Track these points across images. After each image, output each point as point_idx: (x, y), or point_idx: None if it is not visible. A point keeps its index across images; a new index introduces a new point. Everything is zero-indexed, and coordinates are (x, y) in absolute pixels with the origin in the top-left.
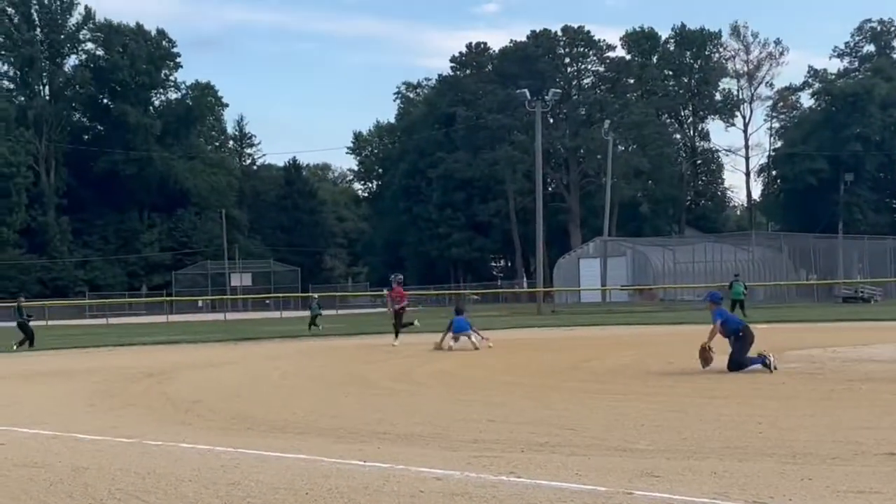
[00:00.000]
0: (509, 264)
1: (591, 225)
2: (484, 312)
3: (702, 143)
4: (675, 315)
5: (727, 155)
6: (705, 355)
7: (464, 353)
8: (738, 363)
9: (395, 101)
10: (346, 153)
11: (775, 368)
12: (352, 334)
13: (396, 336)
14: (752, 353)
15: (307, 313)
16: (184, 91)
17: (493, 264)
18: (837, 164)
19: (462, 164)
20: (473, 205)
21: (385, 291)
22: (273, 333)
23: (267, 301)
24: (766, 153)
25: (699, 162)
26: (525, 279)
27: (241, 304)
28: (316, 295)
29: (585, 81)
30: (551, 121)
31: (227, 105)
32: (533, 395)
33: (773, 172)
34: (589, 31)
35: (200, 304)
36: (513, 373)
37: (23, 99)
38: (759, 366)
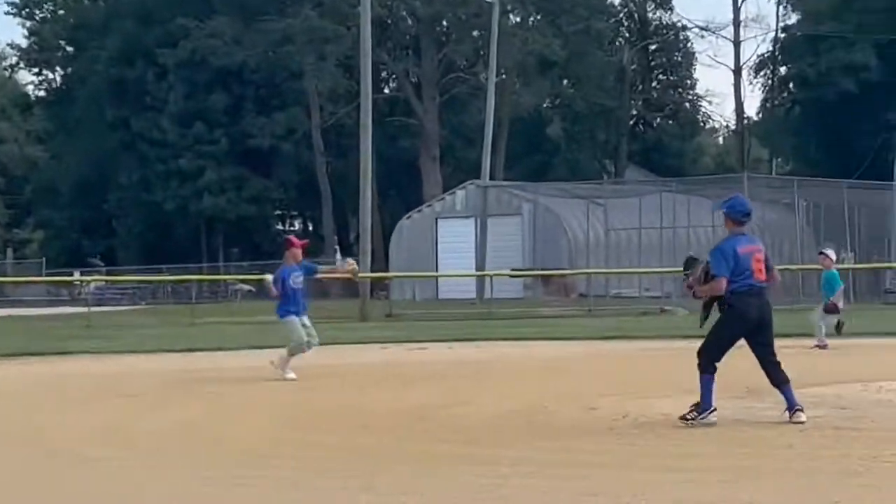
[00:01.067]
0: (310, 228)
1: (461, 158)
2: (261, 315)
3: (658, 13)
4: (607, 323)
5: (702, 37)
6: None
7: (240, 386)
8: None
9: None
10: (7, 14)
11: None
12: (17, 355)
13: None
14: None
15: None
16: None
17: (282, 228)
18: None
19: (223, 42)
20: (244, 118)
21: None
22: None
23: None
24: (771, 35)
25: (654, 48)
26: (339, 255)
27: None
28: None
29: None
30: None
31: None
32: (345, 466)
33: (783, 70)
34: None
35: None
36: (310, 426)
37: None
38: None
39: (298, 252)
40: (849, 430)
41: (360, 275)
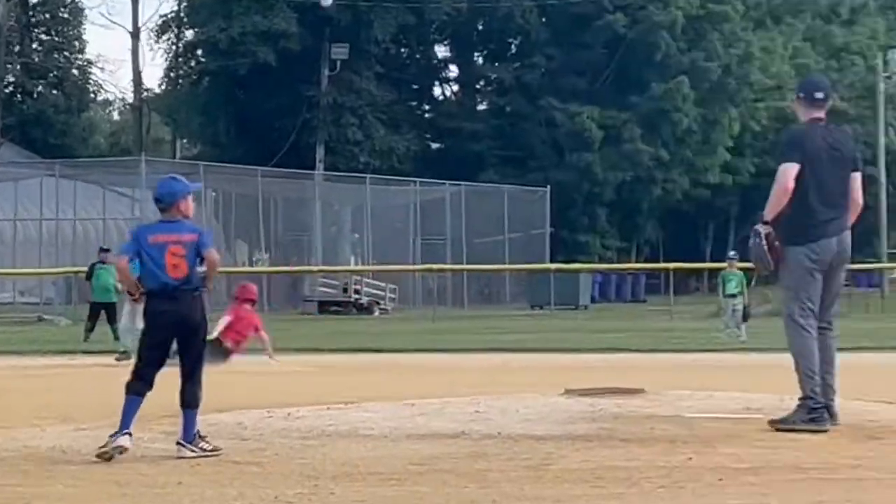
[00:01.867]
0: None
1: None
2: None
3: None
4: None
5: None
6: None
7: None
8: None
9: None
10: None
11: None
12: None
13: None
14: None
15: None
16: None
17: None
18: (319, 24)
19: None
20: None
21: None
22: None
23: None
24: None
25: (35, 2)
26: None
27: None
28: None
29: None
30: None
31: None
32: None
33: (189, 34)
34: None
35: None
36: None
37: None
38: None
39: None
40: (249, 465)
41: None
